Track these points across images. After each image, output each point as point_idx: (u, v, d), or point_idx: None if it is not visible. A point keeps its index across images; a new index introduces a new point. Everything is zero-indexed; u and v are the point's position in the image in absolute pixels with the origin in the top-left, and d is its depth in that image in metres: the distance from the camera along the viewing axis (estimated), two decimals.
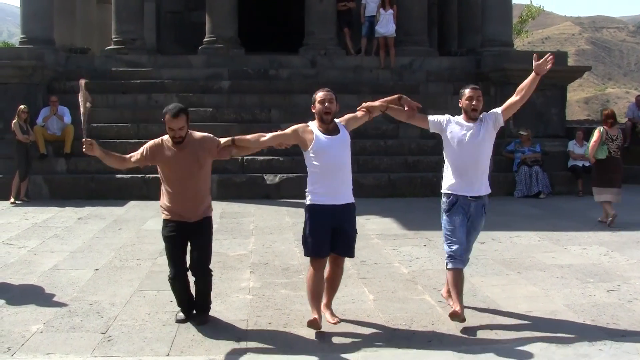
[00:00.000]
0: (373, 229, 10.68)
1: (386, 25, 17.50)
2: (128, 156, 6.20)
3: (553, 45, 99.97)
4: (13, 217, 11.85)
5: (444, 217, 6.29)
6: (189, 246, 6.16)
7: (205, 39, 18.26)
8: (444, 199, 6.32)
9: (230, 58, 17.72)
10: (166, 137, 6.02)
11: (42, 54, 16.15)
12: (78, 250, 9.27)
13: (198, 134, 6.10)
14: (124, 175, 14.02)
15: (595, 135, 11.47)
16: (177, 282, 6.08)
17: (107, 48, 18.76)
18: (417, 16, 18.42)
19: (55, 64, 16.91)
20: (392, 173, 14.71)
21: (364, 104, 6.29)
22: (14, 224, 11.21)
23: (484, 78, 17.06)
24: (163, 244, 6.21)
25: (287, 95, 16.52)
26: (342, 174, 5.97)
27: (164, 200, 6.04)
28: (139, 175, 13.76)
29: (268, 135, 6.06)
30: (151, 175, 12.98)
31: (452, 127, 6.26)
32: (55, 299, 6.98)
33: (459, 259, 6.16)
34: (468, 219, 6.23)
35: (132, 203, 13.04)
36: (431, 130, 6.41)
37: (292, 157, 13.70)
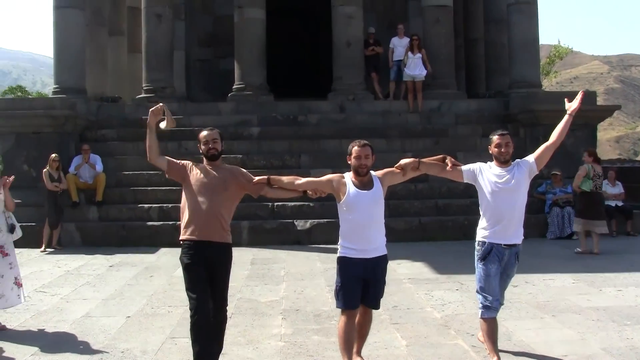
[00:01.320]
0: (404, 274, 10.60)
1: (414, 68, 17.57)
2: (165, 158, 6.25)
3: (582, 85, 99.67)
4: (45, 265, 11.94)
5: (478, 265, 6.24)
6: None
7: (234, 86, 18.44)
8: (478, 247, 6.27)
9: (259, 104, 17.85)
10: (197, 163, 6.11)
11: (74, 104, 16.42)
12: (110, 298, 9.30)
13: (229, 165, 6.25)
14: (155, 223, 14.15)
15: (581, 169, 12.67)
16: (200, 318, 5.66)
17: (137, 97, 19.01)
18: (445, 59, 18.46)
19: (87, 113, 17.17)
20: (422, 217, 14.64)
21: (401, 162, 6.20)
22: (46, 272, 11.29)
23: (512, 119, 17.03)
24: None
25: (316, 140, 16.57)
26: (372, 229, 5.92)
27: (184, 220, 5.97)
28: (170, 222, 13.87)
29: (303, 180, 6.07)
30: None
31: (485, 175, 6.24)
32: (87, 346, 7.01)
33: (492, 308, 6.12)
34: (502, 267, 6.18)
35: (163, 250, 13.12)
36: (464, 181, 6.38)
37: (323, 203, 13.70)
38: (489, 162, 6.34)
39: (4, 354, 6.89)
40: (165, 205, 14.54)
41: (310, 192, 6.07)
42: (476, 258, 6.27)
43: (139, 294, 9.49)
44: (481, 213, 6.32)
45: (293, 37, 22.52)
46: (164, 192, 14.91)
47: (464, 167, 6.33)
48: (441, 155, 6.38)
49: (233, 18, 18.74)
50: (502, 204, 6.13)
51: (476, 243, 6.30)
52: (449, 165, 6.26)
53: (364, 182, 5.92)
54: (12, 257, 8.01)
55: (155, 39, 18.48)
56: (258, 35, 18.28)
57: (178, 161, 6.19)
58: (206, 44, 23.04)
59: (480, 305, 6.19)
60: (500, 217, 6.15)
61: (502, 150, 6.18)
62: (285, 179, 6.09)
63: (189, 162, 6.16)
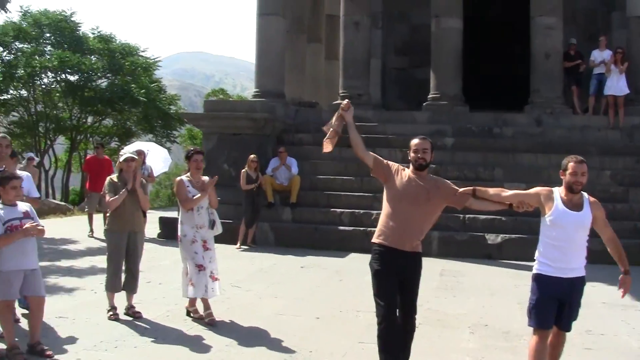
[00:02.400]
0: (599, 297, 10.09)
1: (617, 83, 16.72)
2: (371, 153, 6.12)
3: None
4: (240, 261, 12.43)
5: None
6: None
7: (429, 96, 18.37)
8: None
9: (454, 115, 17.68)
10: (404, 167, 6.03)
11: (273, 107, 17.01)
12: (300, 298, 9.53)
13: (435, 176, 6.13)
14: (346, 228, 14.35)
15: None
16: (389, 326, 5.68)
17: (334, 102, 19.35)
18: None
19: (285, 117, 17.72)
20: (621, 239, 13.85)
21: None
22: (241, 268, 11.74)
23: None
24: None
25: (511, 154, 16.16)
26: (574, 249, 5.72)
27: (380, 224, 5.94)
28: (361, 228, 14.02)
29: (509, 192, 5.90)
30: (372, 229, 13.10)
31: None
32: (277, 343, 7.23)
33: None
34: None
35: (352, 255, 13.28)
36: None
37: (515, 218, 13.34)
38: None
39: (203, 341, 7.25)
40: (357, 210, 14.71)
41: (515, 205, 5.81)
42: None
43: (328, 296, 9.66)
44: None
45: (488, 47, 22.12)
46: (357, 198, 15.10)
47: None
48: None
49: (430, 27, 18.67)
50: None
51: None
52: None
53: (573, 202, 5.70)
54: (212, 252, 8.34)
55: (353, 47, 18.78)
56: (454, 45, 18.12)
57: (385, 161, 6.08)
58: (402, 53, 23.15)
59: None
60: None
61: None
62: (492, 190, 5.94)
63: (396, 164, 6.06)
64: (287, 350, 6.95)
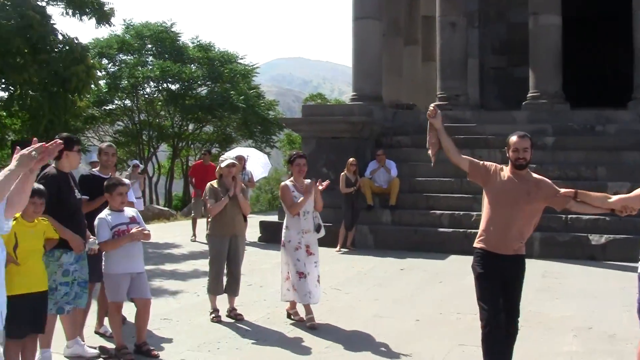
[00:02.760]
0: None
1: None
2: (465, 157, 5.95)
3: None
4: (340, 264, 12.54)
5: None
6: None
7: (528, 94, 18.05)
8: None
9: (554, 113, 17.31)
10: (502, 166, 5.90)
11: (371, 110, 17.08)
12: (399, 300, 9.56)
13: (537, 175, 5.96)
14: (446, 230, 14.27)
15: None
16: (493, 329, 5.61)
17: (431, 104, 19.25)
18: None
19: (383, 120, 17.76)
20: None
21: None
22: (341, 271, 11.85)
23: None
24: None
25: (615, 152, 15.69)
26: None
27: (481, 227, 5.85)
28: (460, 230, 13.93)
29: (614, 198, 5.60)
30: (472, 230, 13.01)
31: None
32: (377, 345, 7.29)
33: None
34: None
35: (452, 257, 13.20)
36: None
37: (619, 218, 12.97)
38: None
39: (303, 344, 7.37)
40: (456, 212, 14.62)
41: (618, 210, 5.56)
42: None
43: (428, 298, 9.65)
44: None
45: (588, 43, 21.59)
46: (456, 200, 15.00)
47: None
48: None
49: (527, 25, 18.36)
50: None
51: None
52: None
53: None
54: (316, 256, 8.37)
55: (450, 47, 18.65)
56: (553, 42, 17.75)
57: (481, 163, 5.92)
58: (500, 52, 22.83)
59: None
60: None
61: None
62: (595, 195, 5.72)
63: (494, 164, 5.90)
64: (387, 353, 7.00)
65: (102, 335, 7.70)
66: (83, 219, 6.89)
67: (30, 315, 5.81)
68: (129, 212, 7.03)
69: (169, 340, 7.44)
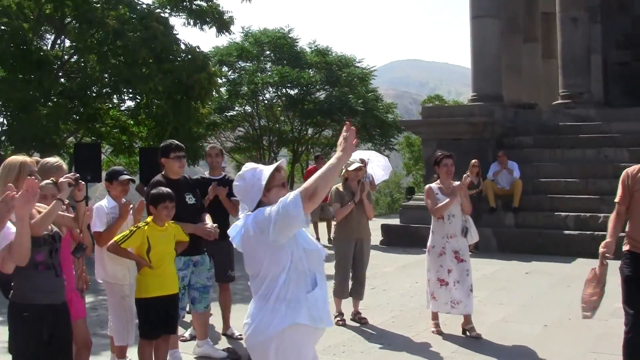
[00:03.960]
0: None
1: None
2: (618, 206, 5.71)
3: None
4: None
5: None
6: None
7: None
8: None
9: None
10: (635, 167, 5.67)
11: (492, 111, 16.83)
12: (526, 305, 9.39)
13: None
14: (572, 232, 13.91)
15: None
16: (637, 335, 5.39)
17: (554, 103, 18.83)
18: None
19: (504, 120, 17.46)
20: None
21: None
22: None
23: None
24: (615, 305, 5.93)
25: None
26: None
27: (628, 228, 5.65)
28: (587, 232, 13.53)
29: None
30: (600, 233, 12.59)
31: None
32: (504, 351, 7.20)
33: None
34: None
35: (579, 260, 12.81)
36: None
37: None
38: None
39: (430, 348, 7.34)
40: (582, 214, 14.20)
41: None
42: None
43: (556, 303, 9.42)
44: None
45: None
46: (582, 201, 14.57)
47: None
48: None
49: None
50: None
51: None
52: None
53: None
54: (467, 263, 8.00)
55: (572, 44, 18.18)
56: None
57: (623, 183, 5.67)
58: (624, 46, 21.94)
59: None
60: None
61: None
62: None
63: (625, 172, 5.68)
64: (514, 358, 6.88)
65: (229, 337, 7.90)
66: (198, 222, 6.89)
67: (163, 317, 6.01)
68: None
69: None
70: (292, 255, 3.91)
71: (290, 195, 3.76)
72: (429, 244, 8.08)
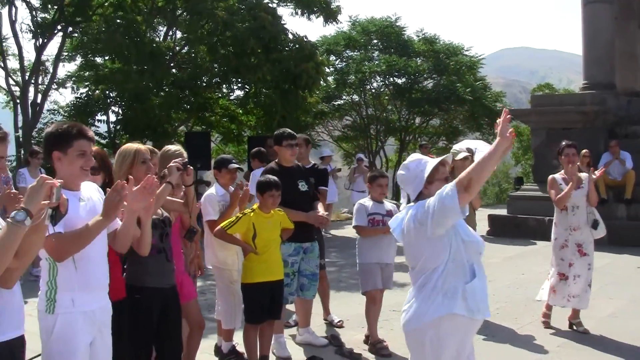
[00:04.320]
0: None
1: None
2: None
3: None
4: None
5: None
6: None
7: None
8: None
9: None
10: None
11: (604, 99, 16.35)
12: (636, 300, 9.14)
13: None
14: None
15: None
16: None
17: None
18: None
19: (617, 109, 16.92)
20: None
21: None
22: None
23: None
24: None
25: None
26: None
27: None
28: None
29: None
30: None
31: None
32: (612, 346, 7.04)
33: None
34: None
35: None
36: None
37: None
38: None
39: (534, 342, 7.24)
40: None
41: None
42: None
43: None
44: None
45: None
46: None
47: None
48: None
49: None
50: None
51: None
52: None
53: None
54: (590, 257, 7.75)
55: None
56: None
57: None
58: None
59: None
60: None
61: None
62: None
63: None
64: (623, 354, 6.74)
65: (330, 323, 8.00)
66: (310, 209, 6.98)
67: (268, 303, 6.14)
68: (388, 205, 7.21)
69: (398, 332, 7.57)
70: (450, 247, 4.00)
71: (447, 187, 3.83)
72: (552, 235, 7.93)
